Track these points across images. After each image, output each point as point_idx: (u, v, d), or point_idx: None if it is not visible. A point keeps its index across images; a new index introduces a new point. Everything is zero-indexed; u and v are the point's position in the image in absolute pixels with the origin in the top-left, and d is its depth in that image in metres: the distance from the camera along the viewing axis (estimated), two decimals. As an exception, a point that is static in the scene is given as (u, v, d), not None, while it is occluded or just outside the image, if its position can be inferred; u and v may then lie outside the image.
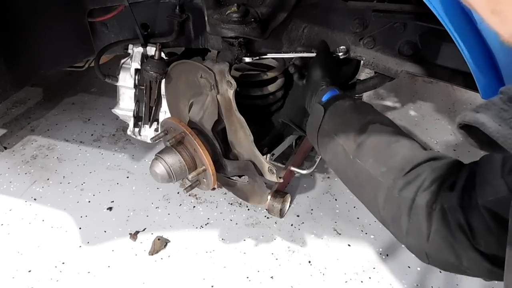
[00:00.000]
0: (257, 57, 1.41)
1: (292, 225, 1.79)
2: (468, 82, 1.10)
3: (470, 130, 0.55)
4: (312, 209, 1.86)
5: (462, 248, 0.76)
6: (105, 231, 1.74)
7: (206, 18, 1.30)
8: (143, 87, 1.60)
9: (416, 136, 2.35)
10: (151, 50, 1.52)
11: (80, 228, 1.76)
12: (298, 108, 1.41)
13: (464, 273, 0.83)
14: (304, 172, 1.73)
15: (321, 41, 1.37)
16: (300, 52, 1.38)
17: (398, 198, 0.86)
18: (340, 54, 1.34)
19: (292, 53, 1.40)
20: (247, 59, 1.40)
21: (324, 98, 1.16)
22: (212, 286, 1.54)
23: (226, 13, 1.25)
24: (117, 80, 1.62)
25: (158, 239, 1.68)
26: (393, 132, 1.01)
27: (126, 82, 1.62)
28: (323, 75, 1.24)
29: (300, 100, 1.34)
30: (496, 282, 0.85)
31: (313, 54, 1.34)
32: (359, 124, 1.03)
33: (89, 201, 1.89)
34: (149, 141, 1.67)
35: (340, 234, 1.75)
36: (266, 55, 1.43)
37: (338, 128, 1.06)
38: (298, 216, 1.83)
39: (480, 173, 0.76)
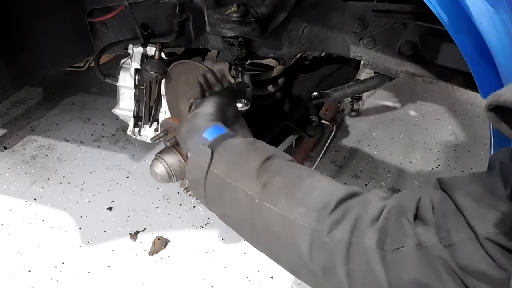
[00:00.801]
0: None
1: (292, 225, 1.78)
2: (468, 82, 1.10)
3: (502, 113, 0.47)
4: (312, 209, 1.86)
5: None
6: (105, 231, 1.74)
7: (206, 18, 1.30)
8: (143, 87, 1.60)
9: (416, 136, 2.35)
10: (151, 50, 1.52)
11: (80, 228, 1.76)
12: (299, 108, 1.41)
13: None
14: (304, 172, 1.72)
15: (247, 79, 1.27)
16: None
17: (329, 242, 0.69)
18: (239, 105, 1.19)
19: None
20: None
21: (208, 136, 0.94)
22: (212, 286, 1.54)
23: (226, 13, 1.25)
24: (117, 80, 1.62)
25: (158, 239, 1.68)
26: (301, 167, 0.86)
27: (126, 82, 1.62)
28: (215, 112, 1.03)
29: (300, 100, 1.33)
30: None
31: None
32: (259, 160, 0.84)
33: (89, 201, 1.89)
34: (149, 141, 1.67)
35: (340, 234, 1.75)
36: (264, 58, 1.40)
37: (234, 169, 0.85)
38: (298, 216, 1.83)
39: (463, 201, 0.61)
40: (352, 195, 0.73)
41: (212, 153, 0.88)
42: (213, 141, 0.92)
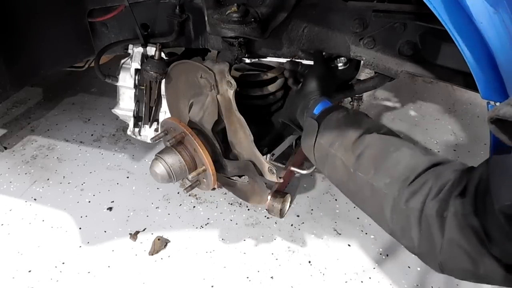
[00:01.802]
0: (257, 59, 1.41)
1: (292, 225, 1.79)
2: (468, 82, 1.10)
3: (502, 125, 0.52)
4: (312, 209, 1.86)
5: (479, 255, 0.73)
6: (105, 231, 1.74)
7: (206, 18, 1.30)
8: (143, 87, 1.60)
9: (416, 136, 2.35)
10: (151, 50, 1.52)
11: (80, 228, 1.76)
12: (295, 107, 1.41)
13: (482, 281, 0.80)
14: (304, 172, 1.72)
15: (317, 51, 1.35)
16: (300, 58, 1.37)
17: (406, 209, 0.83)
18: (339, 65, 1.33)
19: (292, 58, 1.39)
20: (247, 60, 1.40)
21: (316, 110, 1.13)
22: (212, 286, 1.54)
23: (226, 13, 1.25)
24: (117, 80, 1.62)
25: (158, 239, 1.68)
26: (392, 140, 0.98)
27: (126, 82, 1.62)
28: (317, 87, 1.21)
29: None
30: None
31: (311, 62, 1.33)
32: (355, 135, 1.00)
33: (89, 201, 1.89)
34: (149, 141, 1.67)
35: (340, 234, 1.75)
36: (265, 57, 1.42)
37: (335, 140, 1.03)
38: (298, 216, 1.83)
39: (494, 177, 0.72)
40: (432, 166, 0.85)
41: (319, 126, 1.07)
42: (320, 115, 1.11)
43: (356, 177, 0.96)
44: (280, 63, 1.50)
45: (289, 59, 1.38)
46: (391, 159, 0.92)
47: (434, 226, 0.78)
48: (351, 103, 2.52)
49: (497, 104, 0.92)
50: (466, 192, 0.76)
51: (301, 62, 1.35)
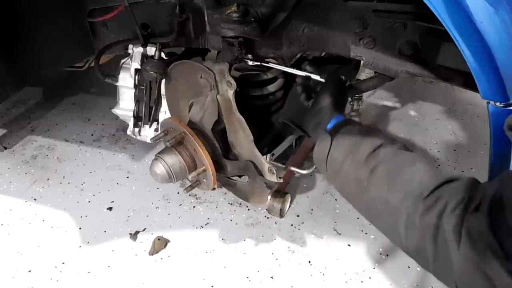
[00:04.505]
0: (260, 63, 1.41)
1: (292, 225, 1.79)
2: (468, 82, 1.10)
3: None
4: (312, 209, 1.86)
5: (495, 273, 0.71)
6: (105, 231, 1.74)
7: (206, 18, 1.30)
8: (143, 87, 1.60)
9: (416, 136, 2.35)
10: (151, 50, 1.51)
11: (80, 228, 1.76)
12: (298, 108, 1.41)
13: None
14: (304, 172, 1.72)
15: (332, 70, 1.36)
16: (309, 72, 1.36)
17: (420, 225, 0.82)
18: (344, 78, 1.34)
19: (301, 71, 1.38)
20: (250, 63, 1.40)
21: (330, 125, 1.14)
22: (212, 286, 1.54)
23: (226, 12, 1.25)
24: (117, 80, 1.62)
25: (158, 239, 1.68)
26: (406, 155, 0.98)
27: (126, 82, 1.62)
28: (331, 103, 1.21)
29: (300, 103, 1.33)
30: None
31: (321, 79, 1.32)
32: (369, 149, 1.00)
33: (89, 201, 1.89)
34: (149, 141, 1.67)
35: (340, 234, 1.75)
36: (266, 57, 1.42)
37: (348, 155, 1.03)
38: (298, 216, 1.83)
39: (508, 193, 0.71)
40: (445, 182, 0.84)
41: (332, 140, 1.07)
42: (333, 129, 1.11)
43: (369, 192, 0.95)
44: (281, 63, 1.50)
45: (302, 75, 1.37)
46: (405, 175, 0.91)
47: (451, 242, 0.76)
48: (351, 103, 2.52)
49: (497, 104, 0.92)
50: (481, 209, 0.74)
51: (311, 77, 1.34)
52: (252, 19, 1.25)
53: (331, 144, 1.07)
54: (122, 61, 1.61)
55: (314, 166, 1.86)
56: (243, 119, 1.32)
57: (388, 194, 0.90)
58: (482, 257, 0.72)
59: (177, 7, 1.38)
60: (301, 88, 1.35)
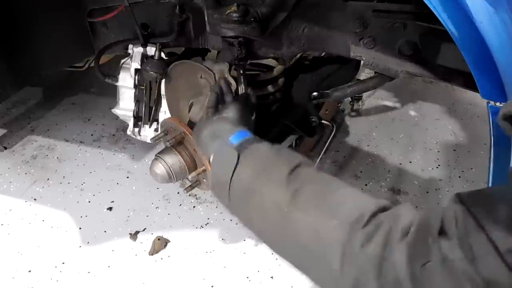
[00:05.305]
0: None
1: (292, 225, 1.78)
2: (468, 82, 1.10)
3: None
4: (312, 209, 1.86)
5: None
6: (105, 231, 1.74)
7: (206, 18, 1.30)
8: (143, 87, 1.60)
9: (416, 136, 2.35)
10: (151, 50, 1.51)
11: (80, 228, 1.76)
12: (299, 109, 1.41)
13: None
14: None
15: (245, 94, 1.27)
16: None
17: (360, 256, 0.67)
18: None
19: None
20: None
21: (234, 140, 0.94)
22: (212, 286, 1.54)
23: (226, 12, 1.25)
24: (117, 80, 1.62)
25: (158, 239, 1.68)
26: (328, 177, 0.85)
27: (126, 82, 1.62)
28: (236, 115, 1.05)
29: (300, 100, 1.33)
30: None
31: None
32: (287, 168, 0.83)
33: (89, 201, 1.89)
34: (149, 141, 1.66)
35: (340, 234, 1.75)
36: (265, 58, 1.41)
37: (261, 174, 0.84)
38: (298, 216, 1.83)
39: (482, 216, 0.61)
40: (383, 209, 0.72)
41: (239, 156, 0.88)
42: (239, 145, 0.91)
43: (292, 219, 0.77)
44: (281, 63, 1.49)
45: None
46: (334, 198, 0.77)
47: (404, 276, 0.63)
48: (351, 103, 2.53)
49: (497, 104, 0.92)
50: (448, 234, 0.63)
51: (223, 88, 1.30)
52: (252, 19, 1.25)
53: (237, 161, 0.87)
54: (122, 61, 1.61)
55: (315, 165, 1.87)
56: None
57: (317, 220, 0.74)
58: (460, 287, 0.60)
59: (177, 7, 1.38)
60: (218, 87, 1.22)
